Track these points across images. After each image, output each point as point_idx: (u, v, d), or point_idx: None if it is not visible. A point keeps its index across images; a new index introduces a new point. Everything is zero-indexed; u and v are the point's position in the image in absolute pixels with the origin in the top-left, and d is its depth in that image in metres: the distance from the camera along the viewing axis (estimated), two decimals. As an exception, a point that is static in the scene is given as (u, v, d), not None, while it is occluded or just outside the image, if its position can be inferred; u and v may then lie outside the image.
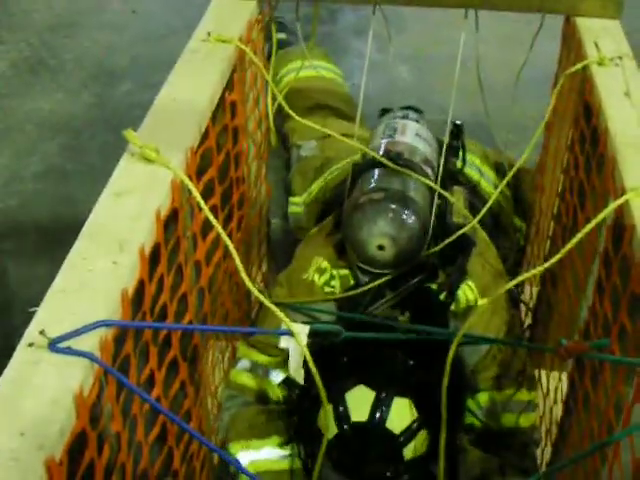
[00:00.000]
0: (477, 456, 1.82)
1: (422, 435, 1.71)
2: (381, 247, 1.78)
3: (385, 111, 2.14)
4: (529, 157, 1.91)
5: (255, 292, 1.35)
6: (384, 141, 1.96)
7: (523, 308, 2.29)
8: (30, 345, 1.04)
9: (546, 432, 1.92)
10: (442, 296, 1.83)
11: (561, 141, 1.96)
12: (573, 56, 1.86)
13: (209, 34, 1.73)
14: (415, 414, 1.70)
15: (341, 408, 1.69)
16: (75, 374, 1.01)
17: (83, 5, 4.49)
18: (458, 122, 2.11)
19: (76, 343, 1.03)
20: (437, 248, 1.85)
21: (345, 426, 1.68)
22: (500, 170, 2.30)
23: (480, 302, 1.81)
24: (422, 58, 3.88)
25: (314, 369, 1.32)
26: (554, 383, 1.91)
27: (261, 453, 1.85)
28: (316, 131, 2.13)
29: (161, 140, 1.40)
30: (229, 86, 1.69)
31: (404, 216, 1.76)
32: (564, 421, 1.75)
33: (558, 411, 1.84)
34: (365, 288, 1.83)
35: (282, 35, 2.88)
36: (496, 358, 1.85)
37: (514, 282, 1.45)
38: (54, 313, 1.09)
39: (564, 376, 1.92)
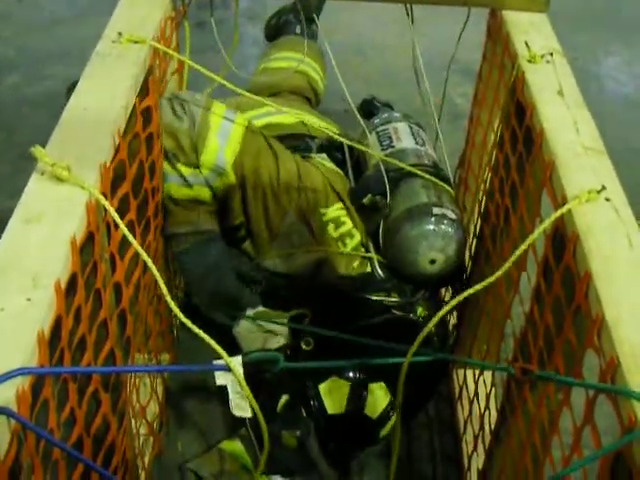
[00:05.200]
0: None
1: (395, 415, 1.76)
2: (433, 261, 1.87)
3: (366, 103, 2.22)
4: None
5: (180, 316, 1.26)
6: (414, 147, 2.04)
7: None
8: None
9: (474, 437, 1.88)
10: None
11: (489, 137, 1.91)
12: (500, 50, 1.81)
13: (120, 34, 1.62)
14: (389, 396, 1.76)
15: (316, 402, 1.73)
16: (-11, 434, 0.91)
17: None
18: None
19: (-11, 395, 0.93)
20: None
21: (322, 420, 1.73)
22: None
23: None
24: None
25: (254, 403, 1.23)
26: (482, 387, 1.87)
27: None
28: None
29: (72, 156, 1.29)
30: (143, 91, 1.58)
31: (464, 240, 1.91)
32: (499, 428, 1.70)
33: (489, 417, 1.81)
34: None
35: None
36: None
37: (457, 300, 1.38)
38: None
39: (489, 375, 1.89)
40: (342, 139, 1.97)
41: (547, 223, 1.29)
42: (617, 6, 4.37)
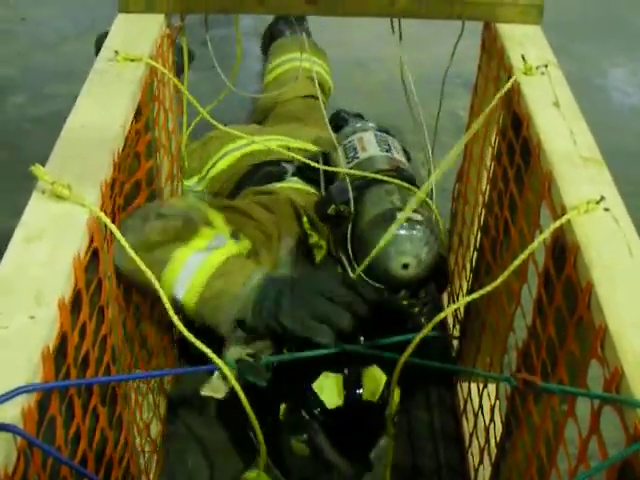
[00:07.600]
0: None
1: (397, 391, 1.71)
2: (406, 266, 1.82)
3: (335, 116, 2.23)
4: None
5: (182, 329, 1.27)
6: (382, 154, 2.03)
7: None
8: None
9: (480, 450, 1.88)
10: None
11: (486, 149, 1.92)
12: (495, 63, 1.82)
13: (116, 53, 1.63)
14: (384, 376, 1.69)
15: (314, 402, 1.66)
16: (-4, 452, 0.91)
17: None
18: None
19: (-5, 413, 0.93)
20: None
21: (325, 417, 1.66)
22: None
23: None
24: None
25: (247, 405, 1.23)
26: (487, 400, 1.87)
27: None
28: None
29: (72, 174, 1.30)
30: (139, 109, 1.59)
31: (435, 239, 1.85)
32: (505, 440, 1.70)
33: (494, 430, 1.80)
34: None
35: None
36: None
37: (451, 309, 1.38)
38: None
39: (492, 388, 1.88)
40: (311, 161, 2.01)
41: (547, 233, 1.30)
42: (623, 17, 4.40)
